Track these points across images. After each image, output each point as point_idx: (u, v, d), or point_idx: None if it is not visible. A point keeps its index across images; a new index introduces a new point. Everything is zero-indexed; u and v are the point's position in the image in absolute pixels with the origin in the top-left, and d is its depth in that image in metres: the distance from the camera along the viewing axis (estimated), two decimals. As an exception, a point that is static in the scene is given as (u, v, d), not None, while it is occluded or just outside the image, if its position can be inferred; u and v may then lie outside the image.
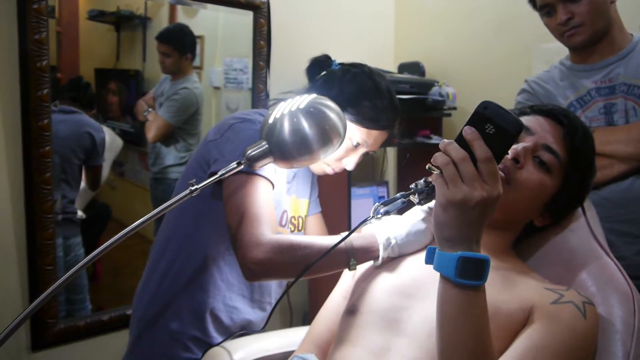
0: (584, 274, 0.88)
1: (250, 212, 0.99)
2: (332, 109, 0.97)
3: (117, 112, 1.86)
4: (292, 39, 2.08)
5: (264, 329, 1.19)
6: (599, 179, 1.14)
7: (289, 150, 0.93)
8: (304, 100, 0.96)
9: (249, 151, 0.92)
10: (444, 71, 2.28)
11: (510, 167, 0.84)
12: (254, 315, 1.21)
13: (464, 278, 0.64)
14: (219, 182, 1.03)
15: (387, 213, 0.82)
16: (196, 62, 1.96)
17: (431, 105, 2.12)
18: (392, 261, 0.96)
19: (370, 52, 2.36)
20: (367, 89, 1.17)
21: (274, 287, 1.25)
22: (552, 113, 0.91)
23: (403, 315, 0.83)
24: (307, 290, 2.07)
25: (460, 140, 0.65)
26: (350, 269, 0.98)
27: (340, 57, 1.28)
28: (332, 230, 1.26)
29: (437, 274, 0.67)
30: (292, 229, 1.26)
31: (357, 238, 0.98)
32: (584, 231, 0.93)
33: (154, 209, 0.80)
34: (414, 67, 2.26)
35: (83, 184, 1.74)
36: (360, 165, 1.26)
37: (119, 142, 1.85)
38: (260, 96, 2.01)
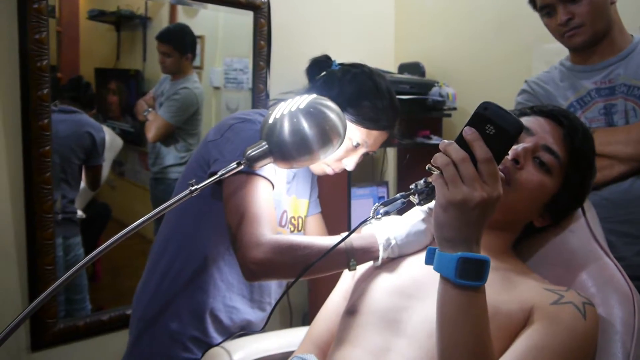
0: (584, 274, 0.88)
1: (250, 212, 0.99)
2: (332, 110, 0.97)
3: (117, 111, 1.86)
4: (292, 39, 2.08)
5: (263, 329, 1.19)
6: (599, 179, 1.14)
7: (289, 150, 0.93)
8: (304, 100, 0.96)
9: (249, 151, 0.92)
10: (444, 71, 2.28)
11: (510, 167, 0.85)
12: (253, 315, 1.21)
13: (464, 279, 0.64)
14: (219, 182, 1.03)
15: (387, 213, 0.82)
16: (196, 62, 1.96)
17: (431, 106, 2.12)
18: (392, 261, 0.96)
19: (370, 52, 2.36)
20: (367, 90, 1.17)
21: (273, 288, 1.25)
22: (552, 114, 0.91)
23: (403, 315, 0.83)
24: (307, 290, 2.07)
25: (461, 141, 0.65)
26: (350, 270, 0.98)
27: (340, 57, 1.28)
28: (332, 230, 1.26)
29: (437, 275, 0.67)
30: (292, 229, 1.26)
31: (357, 238, 0.98)
32: (584, 232, 0.93)
33: (154, 209, 0.80)
34: (414, 68, 2.26)
35: (83, 184, 1.74)
36: (360, 165, 1.26)
37: (119, 142, 1.85)
38: (260, 96, 2.01)
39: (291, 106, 0.94)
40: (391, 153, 2.44)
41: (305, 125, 0.92)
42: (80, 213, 1.73)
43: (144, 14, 1.85)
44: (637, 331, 0.79)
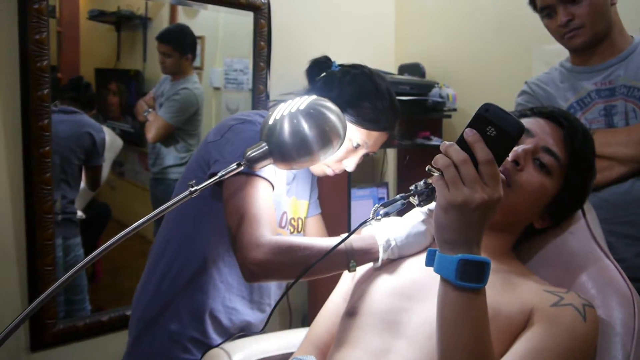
0: (584, 276, 0.88)
1: (250, 213, 0.99)
2: (332, 111, 0.97)
3: (117, 112, 1.86)
4: (292, 40, 2.08)
5: (263, 330, 1.19)
6: (599, 181, 1.14)
7: (289, 151, 0.93)
8: (304, 101, 0.95)
9: (249, 152, 0.92)
10: (444, 72, 2.29)
11: (510, 169, 0.84)
12: (253, 316, 1.21)
13: (465, 280, 0.64)
14: (219, 183, 1.03)
15: (386, 214, 0.81)
16: (196, 63, 1.97)
17: (431, 107, 2.12)
18: (391, 263, 0.96)
19: (370, 53, 2.37)
20: (367, 90, 1.17)
21: (273, 289, 1.25)
22: (552, 115, 0.91)
23: (403, 317, 0.83)
24: (307, 291, 2.07)
25: (462, 143, 0.65)
26: (349, 271, 0.98)
27: (340, 58, 1.28)
28: (332, 231, 1.26)
29: (437, 276, 0.67)
30: (292, 230, 1.26)
31: (357, 239, 0.98)
32: (584, 233, 0.93)
33: (154, 210, 0.80)
34: (414, 69, 2.26)
35: (83, 184, 1.74)
36: (360, 166, 1.26)
37: (119, 142, 1.85)
38: (260, 97, 2.01)
39: (291, 107, 0.94)
40: (391, 154, 2.44)
41: (305, 126, 0.92)
42: (80, 213, 1.73)
43: (144, 15, 1.85)
44: (637, 333, 0.79)
